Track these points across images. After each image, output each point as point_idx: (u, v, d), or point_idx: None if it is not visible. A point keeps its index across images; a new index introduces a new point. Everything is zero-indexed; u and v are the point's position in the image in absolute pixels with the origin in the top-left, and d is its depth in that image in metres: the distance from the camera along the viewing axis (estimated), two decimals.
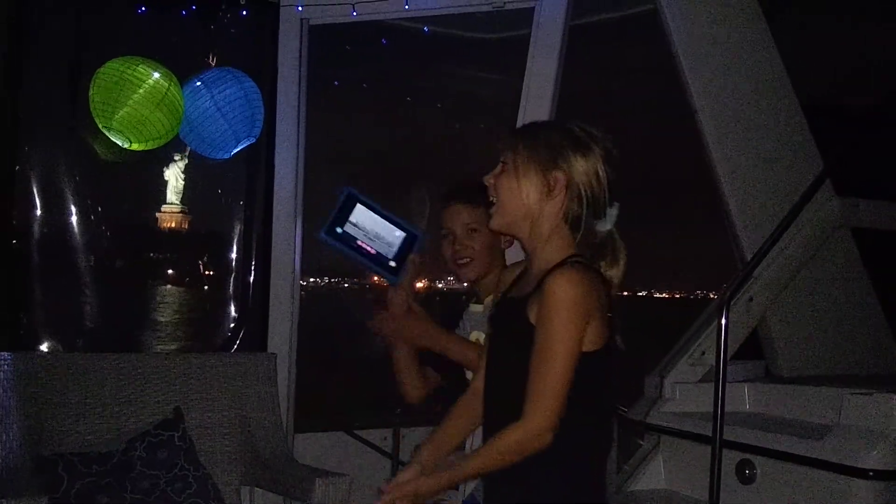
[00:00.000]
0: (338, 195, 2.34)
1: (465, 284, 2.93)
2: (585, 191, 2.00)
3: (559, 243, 2.03)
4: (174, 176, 4.95)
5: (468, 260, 2.81)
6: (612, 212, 2.04)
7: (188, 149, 4.09)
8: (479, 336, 2.78)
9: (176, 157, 4.57)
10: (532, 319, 1.95)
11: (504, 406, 1.99)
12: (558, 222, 2.02)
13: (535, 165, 2.03)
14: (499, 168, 2.08)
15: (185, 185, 4.92)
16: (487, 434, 2.08)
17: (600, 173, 2.01)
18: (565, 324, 1.88)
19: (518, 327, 1.97)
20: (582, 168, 2.01)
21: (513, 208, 2.05)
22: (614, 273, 2.03)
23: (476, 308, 2.88)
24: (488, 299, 2.75)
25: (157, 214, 4.89)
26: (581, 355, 1.90)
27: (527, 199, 2.02)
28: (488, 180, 2.11)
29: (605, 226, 2.04)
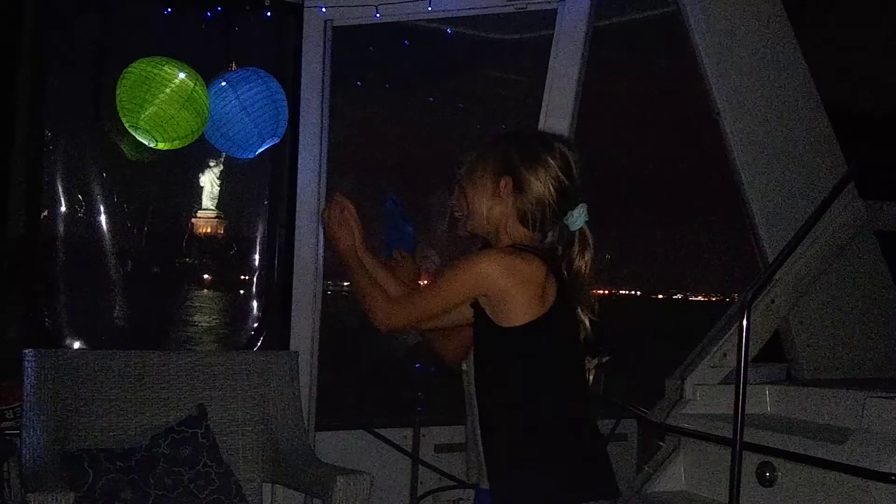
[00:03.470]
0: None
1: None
2: (537, 192, 2.23)
3: (514, 236, 2.26)
4: (209, 182, 4.97)
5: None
6: (579, 212, 2.26)
7: (224, 154, 4.11)
8: None
9: (211, 164, 4.60)
10: (488, 312, 2.20)
11: (483, 399, 2.32)
12: (514, 222, 2.26)
13: (486, 175, 2.28)
14: (457, 189, 2.41)
15: (220, 191, 4.95)
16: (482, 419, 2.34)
17: (550, 178, 2.23)
18: (449, 279, 2.22)
19: (480, 323, 2.25)
20: (531, 172, 2.23)
21: (475, 217, 2.32)
22: (581, 263, 2.26)
23: None
24: None
25: (193, 220, 4.91)
26: (516, 329, 2.15)
27: (481, 206, 2.29)
28: (450, 202, 2.46)
29: (574, 225, 2.25)
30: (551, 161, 2.24)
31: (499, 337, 2.19)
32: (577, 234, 2.26)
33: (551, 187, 2.23)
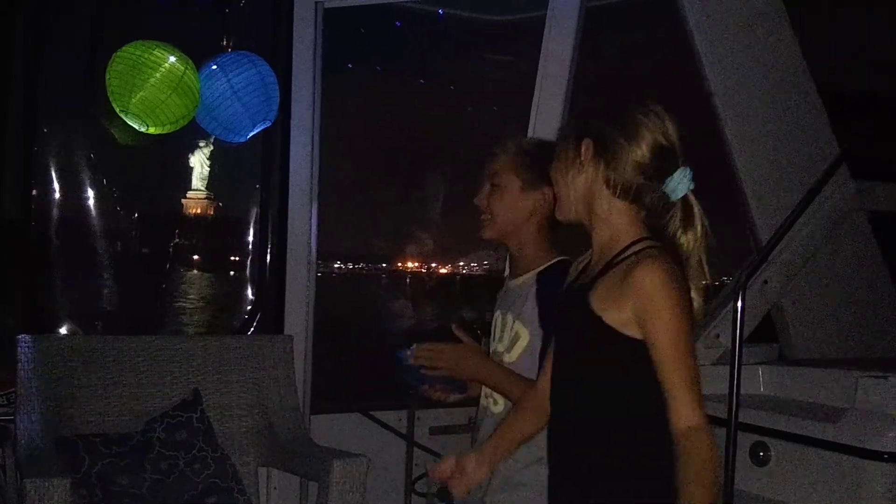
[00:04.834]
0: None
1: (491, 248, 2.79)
2: (626, 152, 1.89)
3: (621, 221, 1.94)
4: (199, 162, 4.94)
5: (487, 217, 2.57)
6: (681, 177, 1.90)
7: (213, 135, 4.10)
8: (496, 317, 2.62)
9: (201, 144, 4.57)
10: (595, 308, 1.88)
11: (569, 402, 1.98)
12: (605, 194, 1.93)
13: (567, 145, 1.97)
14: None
15: (210, 172, 4.92)
16: (553, 432, 2.04)
17: (640, 135, 1.90)
18: (676, 318, 1.82)
19: (580, 318, 1.91)
20: (617, 130, 1.91)
21: (560, 198, 2.00)
22: (689, 238, 1.90)
23: (512, 284, 2.62)
24: (515, 281, 2.59)
25: (183, 201, 4.89)
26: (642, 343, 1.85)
27: (565, 182, 1.97)
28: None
29: (676, 193, 1.90)
30: (640, 116, 1.90)
31: (635, 350, 1.86)
32: (679, 203, 1.90)
33: (643, 146, 1.89)
